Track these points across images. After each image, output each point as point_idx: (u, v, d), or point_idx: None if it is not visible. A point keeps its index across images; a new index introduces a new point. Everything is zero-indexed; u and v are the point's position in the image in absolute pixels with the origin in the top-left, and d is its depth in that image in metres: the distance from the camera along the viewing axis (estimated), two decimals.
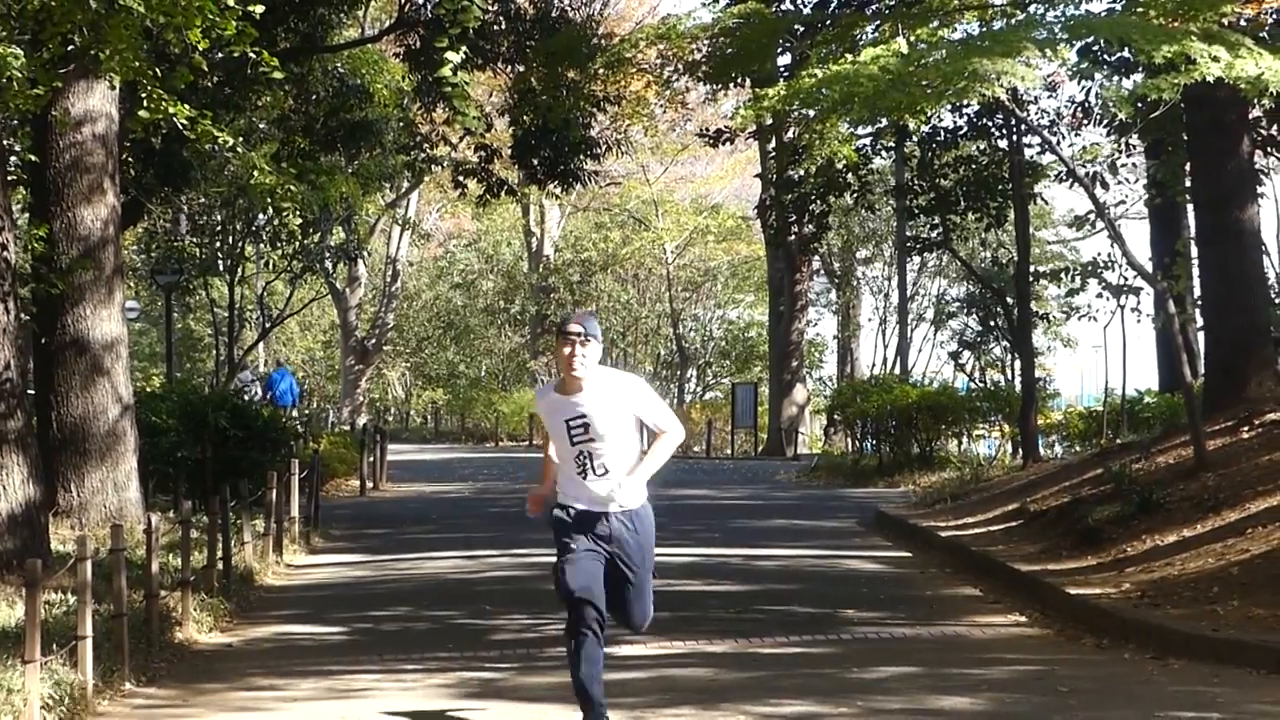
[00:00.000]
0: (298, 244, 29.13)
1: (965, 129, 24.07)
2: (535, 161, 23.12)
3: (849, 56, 14.39)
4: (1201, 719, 8.03)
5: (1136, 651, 9.96)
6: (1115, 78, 22.05)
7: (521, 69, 22.38)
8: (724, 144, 26.12)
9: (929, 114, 16.38)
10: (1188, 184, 22.53)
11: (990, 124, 23.66)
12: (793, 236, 28.18)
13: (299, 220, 26.62)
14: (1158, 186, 24.90)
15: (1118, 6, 19.18)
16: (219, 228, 29.64)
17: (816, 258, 43.70)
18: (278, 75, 14.73)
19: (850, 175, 24.14)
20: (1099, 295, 22.12)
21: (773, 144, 29.21)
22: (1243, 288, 18.20)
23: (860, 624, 11.52)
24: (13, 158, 14.84)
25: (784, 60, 21.07)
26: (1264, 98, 15.03)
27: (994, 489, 19.57)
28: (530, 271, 55.13)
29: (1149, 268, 20.18)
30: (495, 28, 21.86)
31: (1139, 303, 21.73)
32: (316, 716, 8.62)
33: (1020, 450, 23.73)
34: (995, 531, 15.96)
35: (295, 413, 30.38)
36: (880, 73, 13.67)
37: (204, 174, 23.92)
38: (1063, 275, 23.79)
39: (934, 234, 26.12)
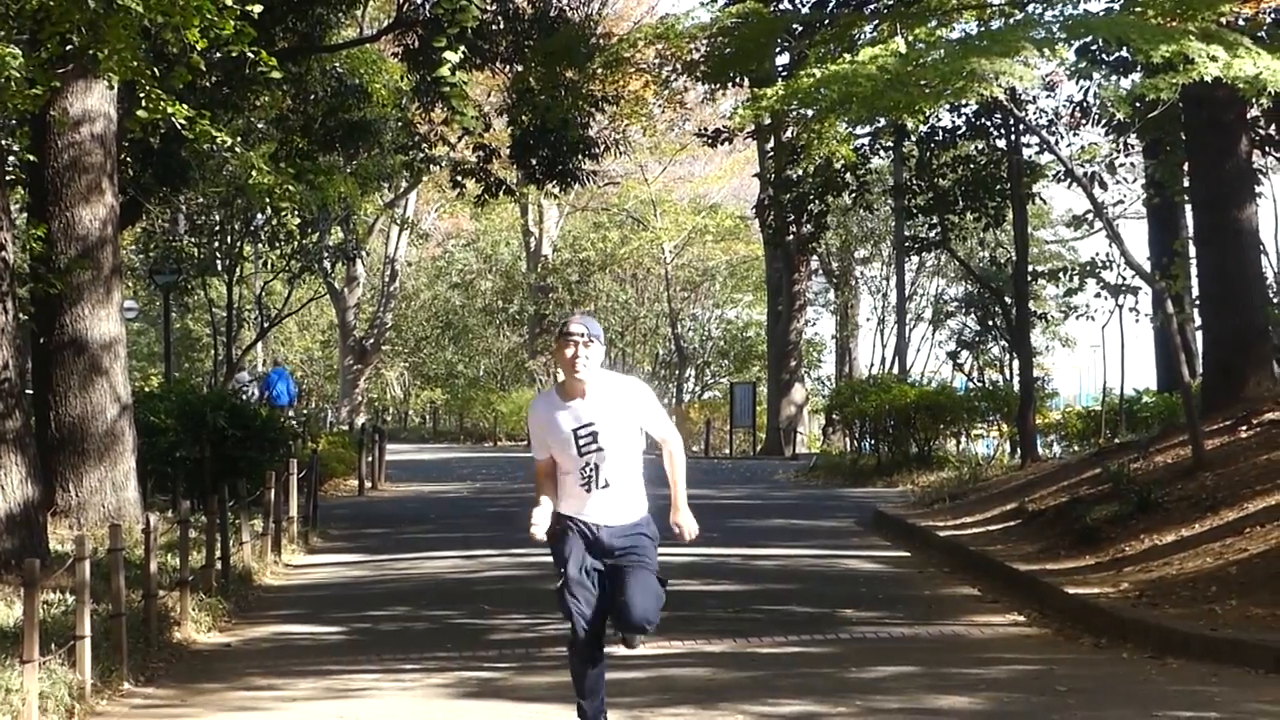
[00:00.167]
0: (296, 244, 29.10)
1: (963, 129, 24.08)
2: (533, 161, 23.08)
3: (847, 56, 14.37)
4: (1200, 718, 8.04)
5: (1135, 651, 9.97)
6: (1113, 77, 22.06)
7: (520, 69, 22.34)
8: (722, 144, 26.10)
9: (927, 114, 16.40)
10: (1186, 184, 22.53)
11: (989, 124, 23.67)
12: (791, 236, 28.20)
13: (297, 220, 26.60)
14: (1156, 186, 24.89)
15: (1116, 6, 19.16)
16: (217, 227, 29.59)
17: (815, 257, 43.73)
18: (276, 75, 14.72)
19: (849, 175, 24.15)
20: (1097, 295, 22.13)
21: (771, 144, 29.22)
22: (1241, 287, 18.21)
23: (859, 623, 11.52)
24: (11, 157, 14.81)
25: (782, 60, 21.08)
26: (1262, 97, 15.03)
27: (992, 489, 19.56)
28: (528, 271, 55.09)
29: (1147, 267, 20.16)
30: (493, 27, 21.84)
31: (1137, 302, 21.73)
32: (315, 716, 8.62)
33: (1018, 450, 23.72)
34: (994, 531, 15.95)
35: (292, 412, 30.33)
36: (878, 72, 13.67)
37: (202, 174, 23.88)
38: (1061, 275, 23.76)
39: (932, 234, 26.11)
